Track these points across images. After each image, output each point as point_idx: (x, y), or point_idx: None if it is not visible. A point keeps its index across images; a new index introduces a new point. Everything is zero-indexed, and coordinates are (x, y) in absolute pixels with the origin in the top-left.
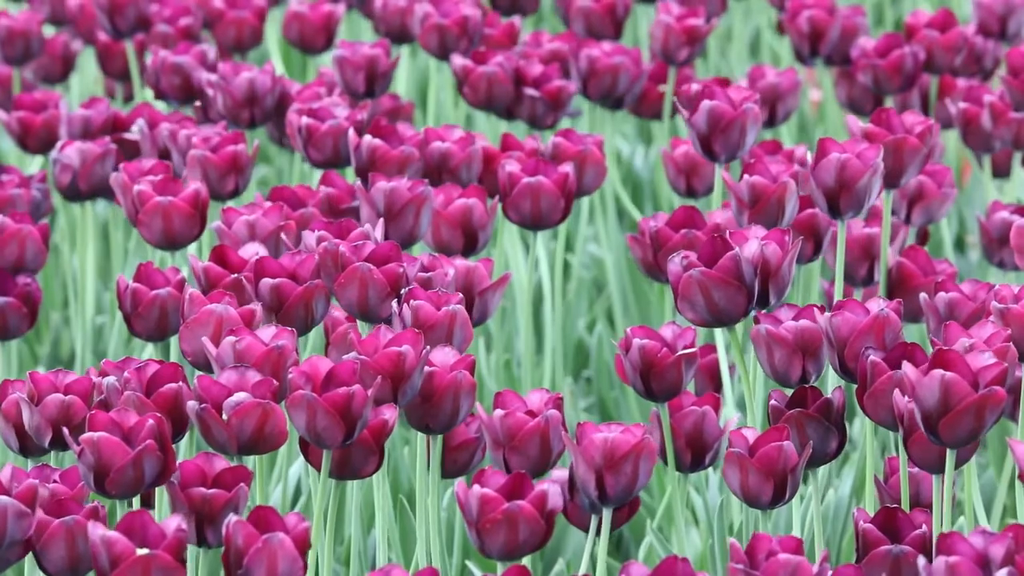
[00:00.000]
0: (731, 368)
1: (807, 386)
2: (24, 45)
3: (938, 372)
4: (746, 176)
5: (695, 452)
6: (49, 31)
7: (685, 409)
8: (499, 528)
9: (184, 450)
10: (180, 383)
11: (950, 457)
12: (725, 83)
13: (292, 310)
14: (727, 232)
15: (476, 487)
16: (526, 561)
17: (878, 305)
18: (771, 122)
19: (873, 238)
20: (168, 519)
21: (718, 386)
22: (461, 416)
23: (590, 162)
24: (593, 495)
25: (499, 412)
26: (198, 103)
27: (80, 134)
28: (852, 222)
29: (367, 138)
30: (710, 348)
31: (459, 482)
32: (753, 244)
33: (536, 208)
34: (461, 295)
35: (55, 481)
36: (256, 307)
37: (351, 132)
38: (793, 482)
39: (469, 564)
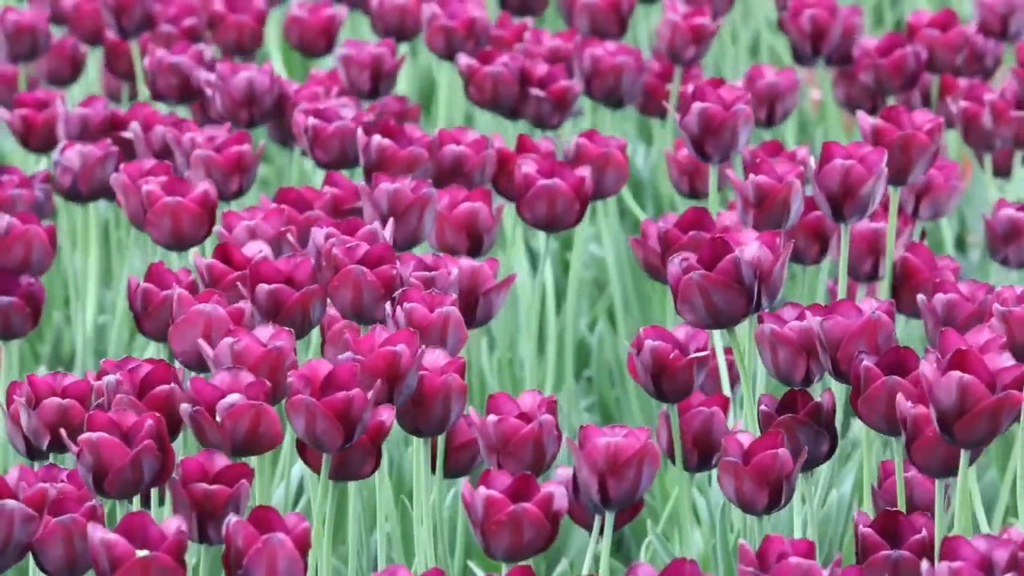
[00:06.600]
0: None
1: (797, 390)
2: (31, 42)
3: (956, 373)
4: (752, 176)
5: (702, 452)
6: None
7: (693, 409)
8: (504, 530)
9: (181, 450)
10: (172, 384)
11: (964, 457)
12: (720, 84)
13: (290, 314)
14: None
15: (482, 488)
16: (530, 561)
17: (870, 307)
18: (770, 122)
19: (879, 233)
20: (168, 520)
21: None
22: (452, 419)
23: (612, 165)
24: (596, 498)
25: (492, 418)
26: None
27: (78, 133)
28: None
29: (376, 138)
30: (725, 351)
31: (465, 483)
32: (753, 246)
33: (551, 210)
34: (455, 296)
35: (63, 481)
36: (245, 305)
37: (360, 132)
38: (788, 488)
39: (471, 564)
